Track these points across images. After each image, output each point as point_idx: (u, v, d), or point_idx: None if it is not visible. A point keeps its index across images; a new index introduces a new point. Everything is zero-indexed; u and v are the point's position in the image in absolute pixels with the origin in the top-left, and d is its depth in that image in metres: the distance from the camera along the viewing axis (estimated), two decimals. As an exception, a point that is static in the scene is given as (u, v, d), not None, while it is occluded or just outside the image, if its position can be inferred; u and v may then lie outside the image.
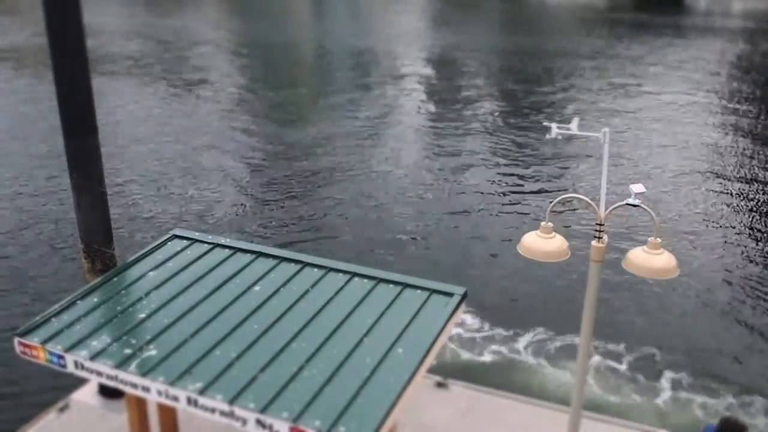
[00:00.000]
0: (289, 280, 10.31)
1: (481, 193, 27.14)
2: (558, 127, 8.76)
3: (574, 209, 24.61)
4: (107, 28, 61.31)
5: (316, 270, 10.57)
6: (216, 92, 42.18)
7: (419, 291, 10.02)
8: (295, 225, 24.33)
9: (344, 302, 9.77)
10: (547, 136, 8.86)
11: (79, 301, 9.87)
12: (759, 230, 24.30)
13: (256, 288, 10.14)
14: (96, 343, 8.93)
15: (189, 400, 8.08)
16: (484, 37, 62.33)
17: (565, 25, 70.36)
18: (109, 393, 12.57)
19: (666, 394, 15.73)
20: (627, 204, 8.24)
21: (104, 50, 52.27)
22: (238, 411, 7.83)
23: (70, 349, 8.87)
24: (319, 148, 32.24)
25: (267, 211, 25.48)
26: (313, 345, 8.82)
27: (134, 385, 8.43)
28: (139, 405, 10.17)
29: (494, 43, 60.31)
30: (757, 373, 16.65)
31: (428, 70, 50.20)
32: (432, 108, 39.86)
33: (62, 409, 12.65)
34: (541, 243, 8.57)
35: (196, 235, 11.63)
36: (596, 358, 16.55)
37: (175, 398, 8.17)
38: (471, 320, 18.15)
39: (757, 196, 27.27)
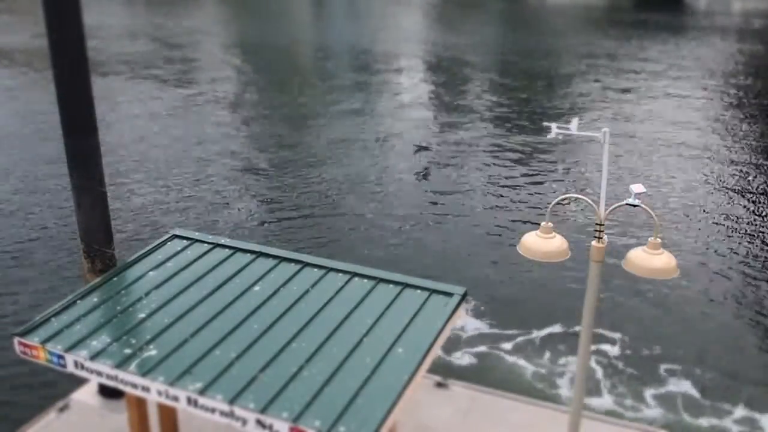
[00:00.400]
0: (289, 280, 10.31)
1: (481, 192, 27.14)
2: (558, 127, 8.76)
3: (574, 209, 24.62)
4: (107, 28, 61.30)
5: (316, 270, 10.57)
6: (216, 92, 42.18)
7: (419, 291, 10.03)
8: (295, 224, 24.32)
9: (344, 302, 9.77)
10: (547, 136, 8.86)
11: (79, 301, 9.87)
12: (759, 230, 24.29)
13: (256, 288, 10.14)
14: (96, 343, 8.93)
15: (189, 400, 8.09)
16: (484, 37, 62.32)
17: (564, 25, 70.34)
18: (109, 393, 12.57)
19: (666, 394, 15.73)
20: (627, 204, 8.24)
21: (104, 50, 52.27)
22: (238, 411, 7.83)
23: (70, 349, 8.87)
24: (319, 148, 32.23)
25: (267, 210, 25.48)
26: (313, 345, 8.82)
27: (134, 385, 8.43)
28: (139, 405, 10.16)
29: (494, 43, 60.31)
30: (758, 373, 16.65)
31: (428, 71, 50.20)
32: (432, 108, 39.85)
33: (62, 409, 12.65)
34: (541, 243, 8.57)
35: (196, 235, 11.63)
36: (596, 358, 16.55)
37: (175, 398, 8.17)
38: (471, 320, 18.15)
39: (757, 196, 27.26)
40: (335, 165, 29.98)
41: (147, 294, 10.02)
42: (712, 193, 27.33)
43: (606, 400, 15.29)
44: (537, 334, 17.78)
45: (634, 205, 8.19)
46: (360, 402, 7.86)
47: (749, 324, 18.76)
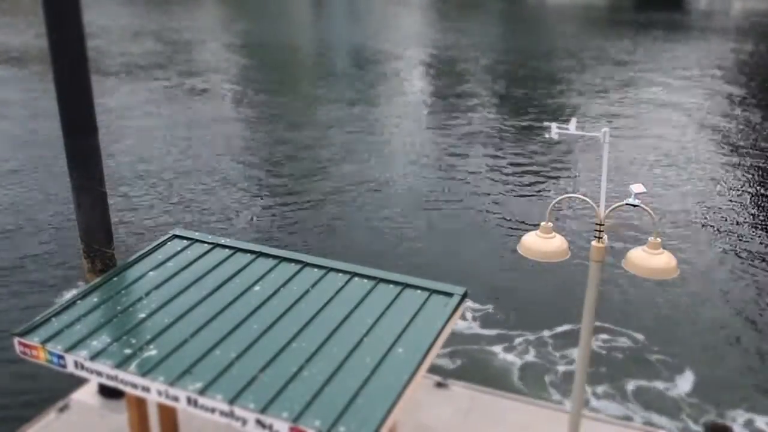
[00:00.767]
0: (289, 280, 10.30)
1: (481, 193, 27.14)
2: (557, 127, 8.75)
3: (574, 209, 24.61)
4: (107, 28, 61.30)
5: (316, 270, 10.56)
6: (216, 92, 42.19)
7: (419, 291, 10.02)
8: (295, 224, 24.33)
9: (344, 302, 9.76)
10: (547, 136, 8.86)
11: (79, 301, 9.87)
12: (759, 229, 24.30)
13: (256, 288, 10.13)
14: (96, 343, 8.93)
15: (189, 400, 8.08)
16: (484, 37, 62.31)
17: (565, 25, 70.34)
18: (109, 393, 12.57)
19: (666, 394, 15.73)
20: (627, 204, 8.23)
21: (104, 50, 52.26)
22: (238, 411, 7.82)
23: (70, 349, 8.87)
24: (319, 148, 32.23)
25: (267, 210, 25.48)
26: (313, 345, 8.81)
27: (134, 385, 8.43)
28: (139, 405, 10.16)
29: (494, 43, 60.30)
30: (759, 373, 16.65)
31: (428, 71, 50.19)
32: (432, 108, 39.84)
33: (62, 409, 12.64)
34: (541, 243, 8.56)
35: (196, 235, 11.62)
36: (596, 358, 16.55)
37: (175, 398, 8.17)
38: (471, 320, 18.15)
39: (757, 196, 27.26)
40: (335, 165, 29.98)
41: (147, 294, 10.01)
42: (712, 193, 27.33)
43: (606, 400, 15.29)
44: (537, 334, 17.79)
45: (634, 205, 8.18)
46: (360, 402, 7.85)
47: (750, 324, 18.76)
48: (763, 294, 20.20)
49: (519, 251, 8.76)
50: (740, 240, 23.50)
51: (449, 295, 9.93)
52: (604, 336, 17.54)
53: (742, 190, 27.80)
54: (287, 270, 10.58)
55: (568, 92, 43.12)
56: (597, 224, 8.53)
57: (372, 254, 21.83)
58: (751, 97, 42.72)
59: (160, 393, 8.26)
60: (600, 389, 15.62)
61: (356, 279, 10.31)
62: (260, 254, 10.98)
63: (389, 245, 22.76)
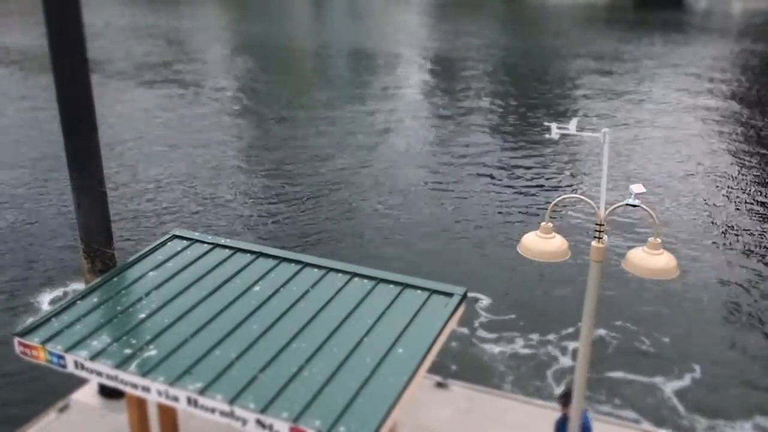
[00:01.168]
0: (289, 280, 10.30)
1: (481, 192, 27.14)
2: (558, 127, 8.73)
3: (575, 209, 24.61)
4: (107, 28, 61.29)
5: (316, 270, 10.56)
6: (216, 93, 42.19)
7: (419, 291, 10.02)
8: (295, 224, 24.34)
9: (344, 302, 9.77)
10: (547, 136, 8.85)
11: (79, 301, 9.87)
12: (760, 229, 24.30)
13: (256, 288, 10.14)
14: (96, 343, 8.93)
15: (189, 400, 8.08)
16: (484, 37, 62.30)
17: (565, 25, 70.35)
18: (109, 393, 12.58)
19: (666, 394, 15.73)
20: (627, 204, 8.23)
21: (104, 50, 52.25)
22: (238, 411, 7.82)
23: (70, 349, 8.87)
24: (319, 148, 32.23)
25: (267, 210, 25.49)
26: (313, 345, 8.82)
27: (134, 385, 8.43)
28: (139, 405, 10.16)
29: (494, 43, 60.29)
30: (760, 374, 16.65)
31: (428, 71, 50.19)
32: (432, 108, 39.85)
33: (62, 409, 12.65)
34: (541, 243, 8.55)
35: (196, 235, 11.62)
36: (596, 358, 16.55)
37: (175, 398, 8.17)
38: (471, 320, 18.15)
39: (757, 195, 27.26)
40: (335, 164, 29.98)
41: (147, 294, 10.02)
42: (712, 192, 27.33)
43: (606, 400, 15.29)
44: (537, 333, 17.80)
45: (634, 205, 8.17)
46: (360, 402, 7.85)
47: (751, 323, 18.76)
48: (764, 294, 20.22)
49: (519, 251, 8.75)
50: (740, 240, 23.50)
51: (449, 295, 9.93)
52: (605, 336, 17.54)
53: (743, 190, 27.80)
54: (287, 270, 10.58)
55: (568, 92, 43.12)
56: (597, 224, 8.53)
57: (371, 254, 21.84)
58: (752, 96, 42.71)
59: (160, 393, 8.26)
60: (600, 389, 15.62)
61: (356, 279, 10.31)
62: (260, 254, 10.98)
63: (389, 245, 22.75)
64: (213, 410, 7.95)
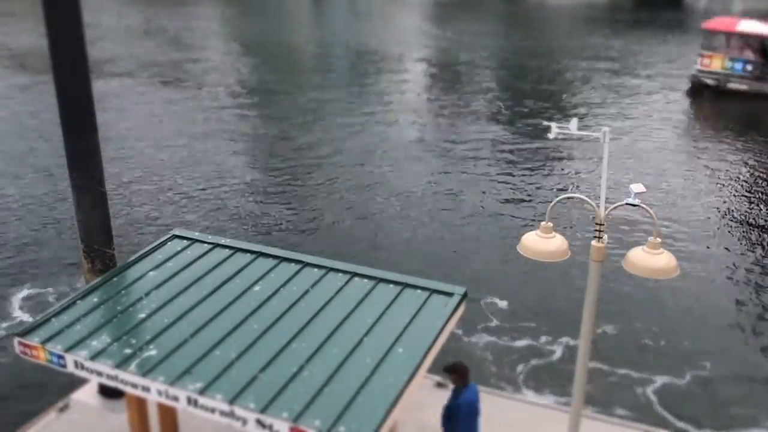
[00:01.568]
0: (289, 280, 10.31)
1: (481, 192, 27.14)
2: (558, 127, 8.74)
3: (575, 209, 24.61)
4: (107, 28, 61.29)
5: (316, 270, 10.56)
6: (216, 92, 42.18)
7: (419, 291, 10.02)
8: (295, 225, 24.34)
9: (344, 302, 9.77)
10: (547, 136, 8.86)
11: (79, 301, 9.87)
12: (760, 229, 24.30)
13: (256, 288, 10.14)
14: (96, 343, 8.94)
15: (189, 400, 8.09)
16: (484, 37, 62.28)
17: (565, 25, 70.36)
18: (109, 393, 12.57)
19: (667, 395, 15.73)
20: (627, 204, 8.23)
21: (104, 50, 52.25)
22: (238, 411, 7.83)
23: (70, 349, 8.87)
24: (319, 148, 32.23)
25: (267, 211, 25.49)
26: (313, 345, 8.82)
27: (134, 385, 8.44)
28: (139, 405, 10.16)
29: (494, 42, 60.28)
30: (760, 374, 16.65)
31: (428, 71, 50.17)
32: (432, 108, 39.84)
33: (62, 409, 12.65)
34: (541, 243, 8.57)
35: (196, 235, 11.63)
36: (596, 358, 16.55)
37: (175, 398, 8.17)
38: (471, 320, 18.14)
39: (759, 194, 27.27)
40: (335, 164, 29.98)
41: (147, 294, 10.02)
42: (711, 192, 27.33)
43: (606, 400, 15.28)
44: (537, 333, 17.79)
45: (634, 205, 8.18)
46: (360, 402, 7.85)
47: (752, 323, 18.76)
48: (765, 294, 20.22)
49: (519, 251, 8.76)
50: (741, 239, 23.50)
51: (449, 294, 9.93)
52: (605, 335, 17.54)
53: (744, 190, 27.80)
54: (287, 270, 10.58)
55: (568, 92, 43.11)
56: (597, 224, 8.53)
57: (371, 253, 21.84)
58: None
59: (160, 393, 8.27)
60: (600, 389, 15.61)
61: (356, 279, 10.31)
62: (260, 254, 10.99)
63: (388, 244, 22.76)
64: (213, 410, 7.96)
